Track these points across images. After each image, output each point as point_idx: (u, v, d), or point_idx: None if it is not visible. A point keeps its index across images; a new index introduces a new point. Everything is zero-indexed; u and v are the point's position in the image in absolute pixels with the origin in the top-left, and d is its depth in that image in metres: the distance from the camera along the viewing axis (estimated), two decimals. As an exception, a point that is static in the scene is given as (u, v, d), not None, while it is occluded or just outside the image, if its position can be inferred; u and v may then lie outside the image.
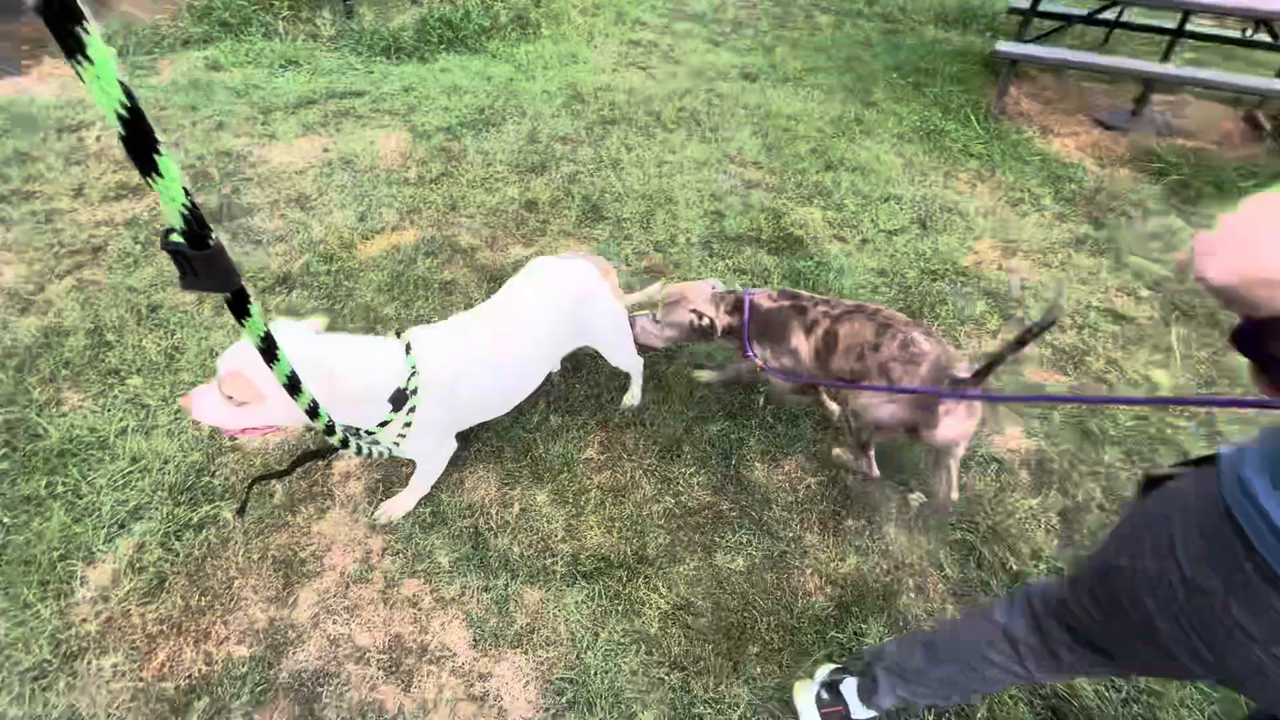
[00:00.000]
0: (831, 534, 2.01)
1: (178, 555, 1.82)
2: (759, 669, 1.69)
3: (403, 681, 1.63)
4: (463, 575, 1.83)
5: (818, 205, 3.58)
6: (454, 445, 1.93)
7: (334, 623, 1.73)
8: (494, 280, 2.84)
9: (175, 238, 0.69)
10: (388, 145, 3.74)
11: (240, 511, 1.84)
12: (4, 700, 1.53)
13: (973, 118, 4.56)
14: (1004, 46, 4.51)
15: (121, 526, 1.87)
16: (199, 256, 0.69)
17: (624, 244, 3.13)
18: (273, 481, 2.00)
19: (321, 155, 3.60)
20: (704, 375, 2.43)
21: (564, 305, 1.87)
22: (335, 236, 3.00)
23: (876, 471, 2.04)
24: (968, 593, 1.89)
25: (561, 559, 1.88)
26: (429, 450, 1.82)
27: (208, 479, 2.00)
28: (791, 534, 2.00)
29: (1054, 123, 4.70)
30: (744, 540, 1.97)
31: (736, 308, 2.10)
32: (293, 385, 1.04)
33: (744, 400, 2.38)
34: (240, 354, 1.39)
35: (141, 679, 1.59)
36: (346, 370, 1.49)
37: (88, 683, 1.57)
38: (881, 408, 1.83)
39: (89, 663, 1.60)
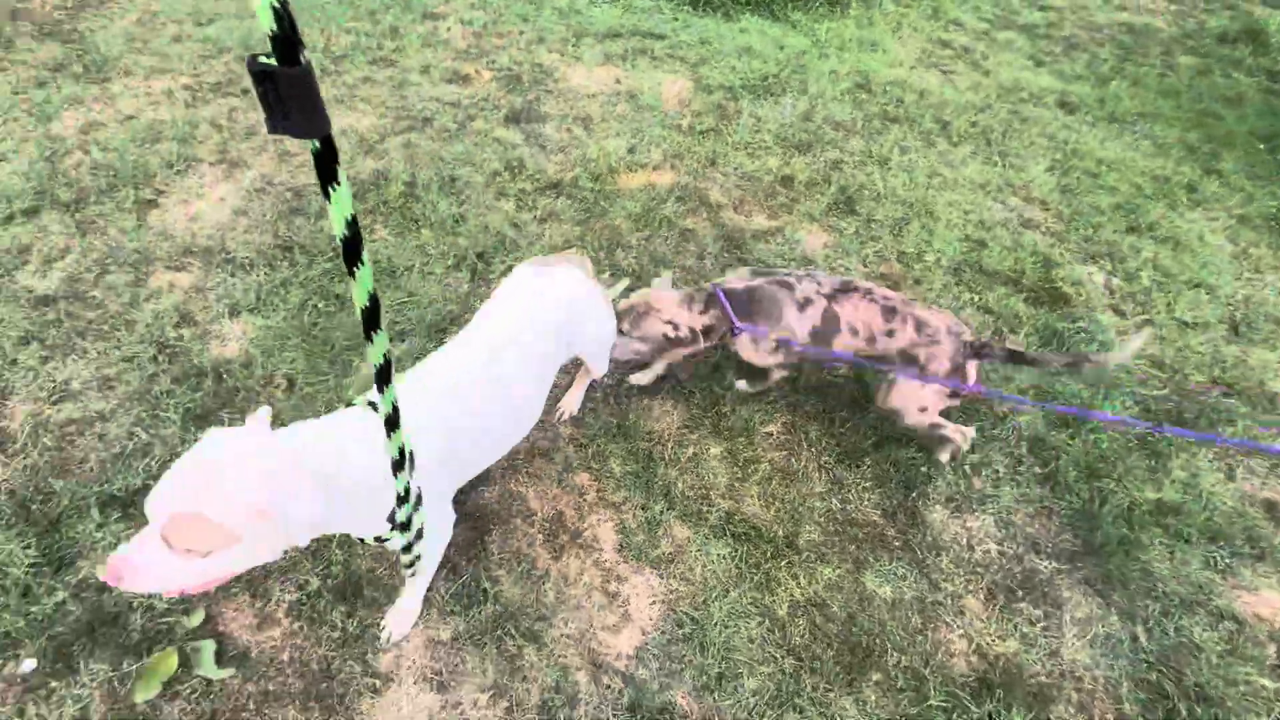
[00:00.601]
0: (998, 608, 1.86)
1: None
2: (874, 696, 1.65)
3: (554, 551, 1.86)
4: (628, 488, 2.00)
5: (1102, 267, 3.14)
6: (453, 514, 1.55)
7: (516, 481, 2.00)
8: (730, 240, 2.94)
9: (264, 59, 0.59)
10: (671, 90, 3.96)
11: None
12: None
13: (1359, 223, 3.62)
14: None
15: (390, 340, 2.32)
16: (288, 77, 0.59)
17: (867, 244, 3.04)
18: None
19: (613, 85, 3.92)
20: (741, 385, 2.30)
21: (559, 319, 1.64)
22: (605, 161, 3.29)
23: (970, 431, 2.07)
24: (1142, 740, 1.65)
25: (716, 511, 1.97)
26: (431, 527, 1.39)
27: (454, 329, 2.39)
28: (953, 589, 1.88)
29: None
30: (899, 573, 1.90)
31: (711, 303, 1.96)
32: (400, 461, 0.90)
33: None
34: (192, 484, 1.00)
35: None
36: (347, 452, 1.15)
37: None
38: (925, 397, 1.92)
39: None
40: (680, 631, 1.73)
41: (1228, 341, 2.85)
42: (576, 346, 1.77)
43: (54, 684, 1.48)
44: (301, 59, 0.59)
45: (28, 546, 1.67)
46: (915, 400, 1.94)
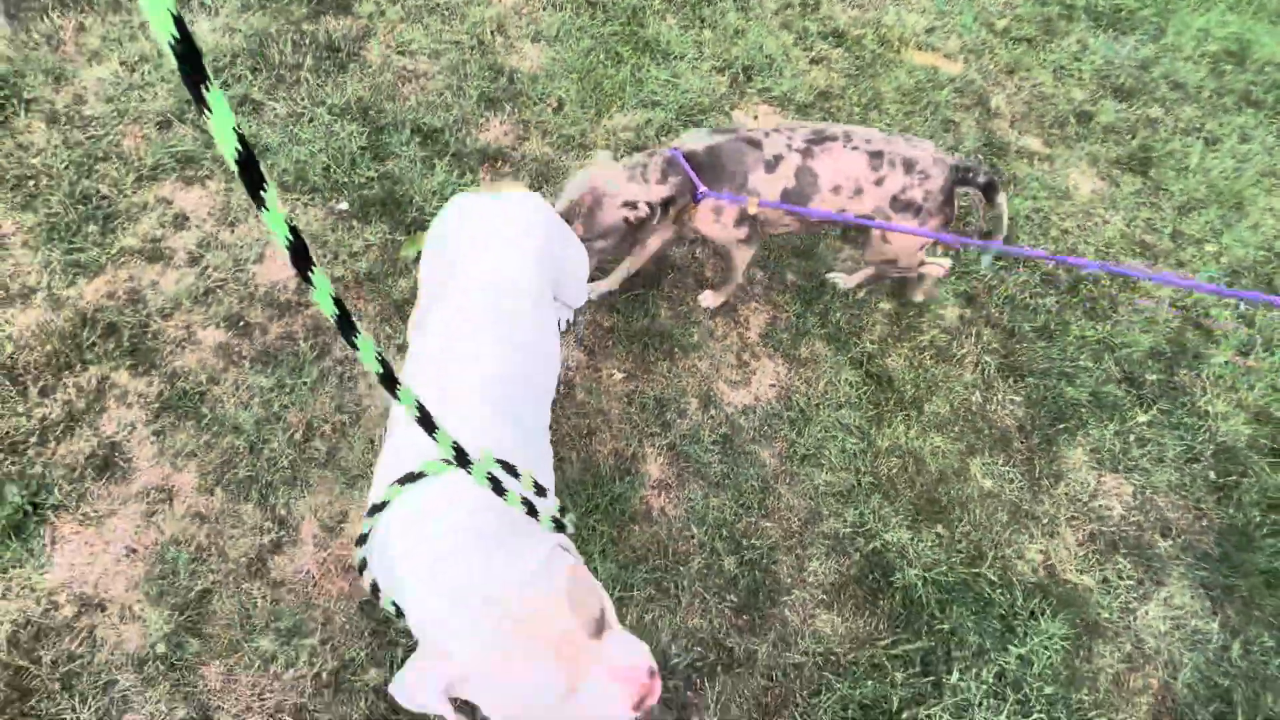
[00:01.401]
0: (1094, 551, 1.86)
1: (660, 140, 2.51)
2: (929, 541, 1.79)
3: (710, 313, 2.13)
4: (792, 296, 2.19)
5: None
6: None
7: (698, 249, 2.27)
8: (991, 148, 2.82)
9: None
10: (1003, -14, 3.63)
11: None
12: (548, 140, 2.43)
13: None
14: None
15: (644, 106, 2.61)
16: None
17: (1142, 209, 2.75)
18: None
19: (942, -37, 3.68)
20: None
21: (540, 249, 1.33)
22: (898, 30, 3.21)
23: (946, 263, 2.09)
24: None
25: (861, 348, 2.11)
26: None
27: (702, 116, 2.62)
28: (1054, 514, 1.91)
29: None
30: (1008, 475, 1.95)
31: (669, 169, 1.68)
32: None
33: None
34: None
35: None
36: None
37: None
38: (910, 248, 1.83)
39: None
40: (787, 413, 1.96)
41: None
42: (558, 284, 1.43)
43: (355, 224, 2.08)
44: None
45: (362, 136, 2.27)
46: (914, 243, 1.83)
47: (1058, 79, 3.22)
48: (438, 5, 2.79)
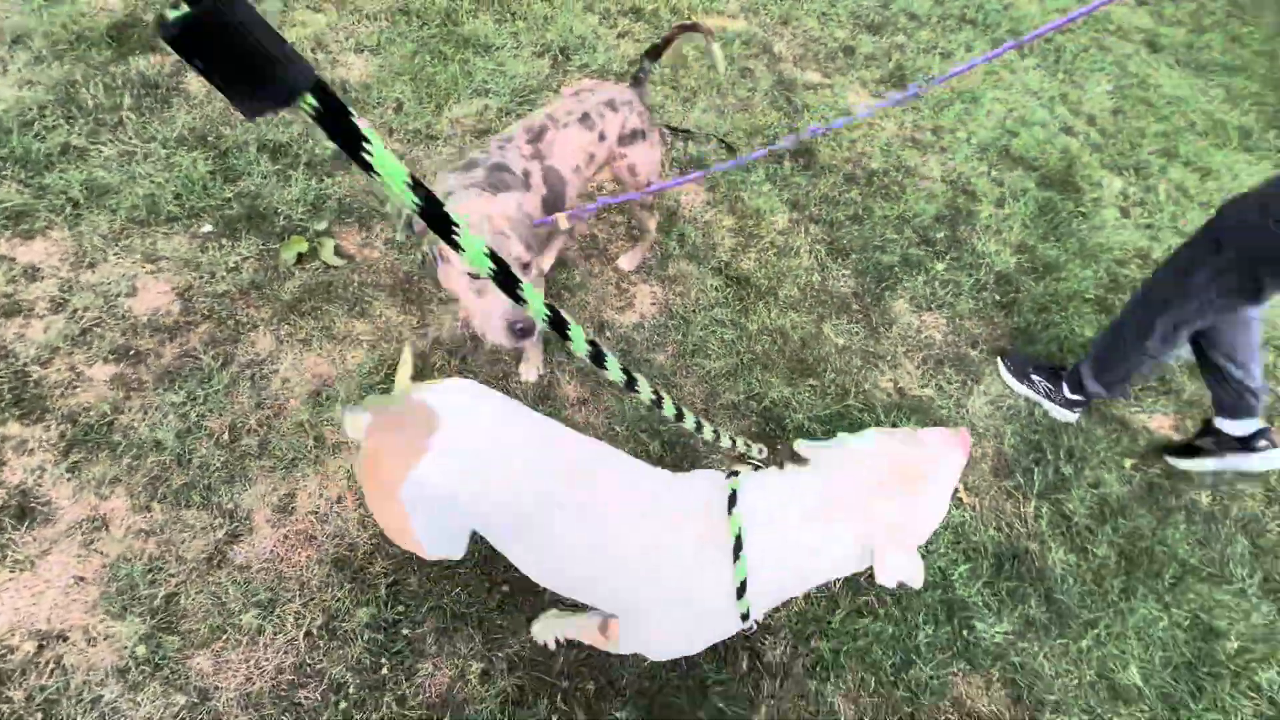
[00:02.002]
0: (927, 370, 2.35)
1: (501, 120, 2.74)
2: (806, 392, 2.19)
3: (585, 256, 2.40)
4: (651, 228, 2.52)
5: (1125, 178, 3.43)
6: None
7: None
8: (782, 84, 3.33)
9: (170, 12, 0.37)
10: (762, -45, 4.23)
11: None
12: (397, 137, 2.58)
13: (1402, 194, 3.76)
14: None
15: (478, 95, 2.84)
16: (207, 27, 0.38)
17: (908, 113, 3.38)
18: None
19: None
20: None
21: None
22: (688, 1, 3.67)
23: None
24: (1008, 465, 2.15)
25: (718, 259, 2.48)
26: None
27: (534, 96, 2.89)
28: (894, 351, 2.38)
29: None
30: (853, 330, 2.40)
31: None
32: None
33: (924, 256, 2.68)
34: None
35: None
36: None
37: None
38: (656, 157, 1.92)
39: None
40: (670, 322, 2.28)
41: (1218, 255, 3.15)
42: None
43: (224, 242, 2.12)
44: None
45: (207, 161, 2.30)
46: (656, 165, 1.93)
47: (822, 23, 3.84)
48: (249, 32, 2.83)
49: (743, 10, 3.75)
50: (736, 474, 1.17)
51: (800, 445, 1.19)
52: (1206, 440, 2.16)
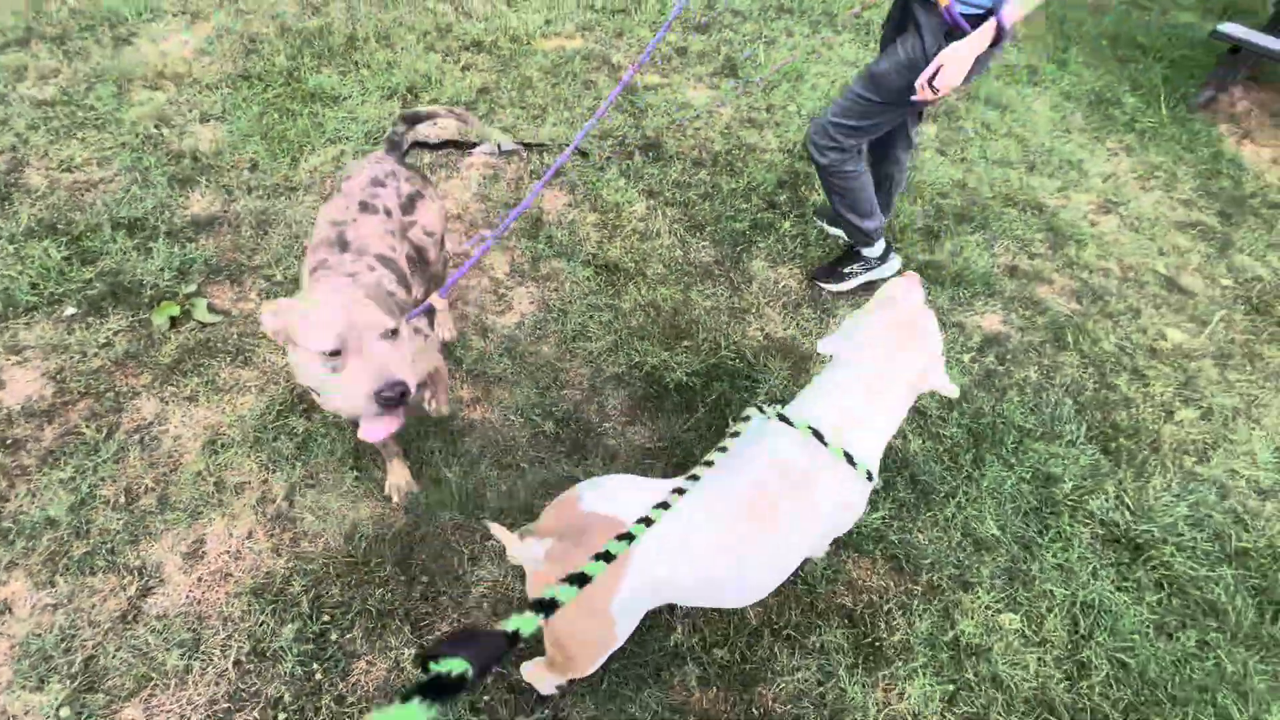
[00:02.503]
0: (789, 314, 2.62)
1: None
2: (684, 354, 2.41)
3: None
4: (517, 237, 2.70)
5: (938, 124, 3.89)
6: None
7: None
8: (626, 90, 3.61)
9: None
10: (589, -22, 4.55)
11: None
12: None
13: (1162, 101, 4.44)
14: (1226, 28, 4.29)
15: (332, 142, 2.95)
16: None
17: (743, 99, 3.73)
18: (424, 150, 2.99)
19: (537, -28, 4.50)
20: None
21: None
22: (524, 29, 3.91)
23: None
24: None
25: (585, 252, 2.69)
26: None
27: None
28: (757, 304, 2.64)
29: (1265, 132, 4.43)
30: (718, 292, 2.65)
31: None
32: None
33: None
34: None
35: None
36: None
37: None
38: (440, 218, 1.88)
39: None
40: (549, 315, 2.45)
41: (1022, 175, 3.64)
42: None
43: (92, 320, 2.14)
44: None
45: (60, 248, 2.31)
46: (440, 217, 1.89)
47: (652, 31, 4.17)
48: (85, 119, 2.84)
49: (579, 29, 4.04)
50: (788, 420, 1.39)
51: (821, 345, 1.51)
52: (855, 265, 2.68)
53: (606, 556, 0.88)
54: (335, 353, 1.21)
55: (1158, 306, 2.98)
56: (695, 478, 1.22)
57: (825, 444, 1.34)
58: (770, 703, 1.65)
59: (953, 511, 2.07)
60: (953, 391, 1.41)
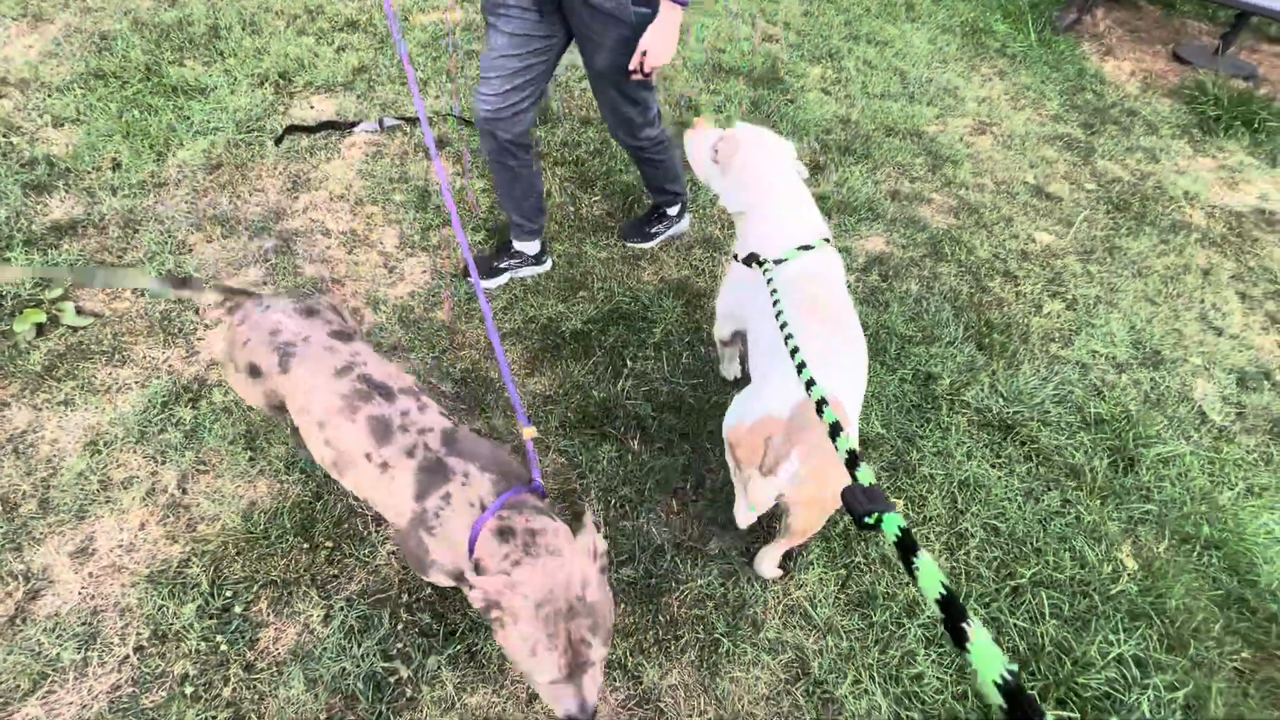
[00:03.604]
0: (684, 256, 2.70)
1: (232, 153, 2.79)
2: (581, 303, 2.46)
3: (349, 248, 2.53)
4: (405, 210, 2.69)
5: (822, 65, 4.02)
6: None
7: (317, 206, 2.65)
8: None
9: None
10: (465, -51, 4.48)
11: (277, 142, 2.78)
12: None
13: (1030, 26, 4.68)
14: (1077, -51, 4.53)
15: (201, 135, 2.86)
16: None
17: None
18: (301, 134, 2.92)
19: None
20: None
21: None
22: (401, 4, 3.84)
23: None
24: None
25: (479, 220, 2.70)
26: None
27: (261, 124, 2.95)
28: (652, 253, 2.71)
29: (1124, 48, 4.73)
30: (612, 243, 2.70)
31: None
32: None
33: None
34: (749, 132, 1.89)
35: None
36: None
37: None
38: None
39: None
40: (439, 282, 2.47)
41: (902, 106, 3.80)
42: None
43: (-53, 337, 2.05)
44: None
45: (-97, 267, 2.19)
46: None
47: None
48: (-78, 133, 2.67)
49: (456, 2, 3.98)
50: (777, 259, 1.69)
51: (727, 204, 1.94)
52: (659, 225, 2.70)
53: (836, 428, 0.96)
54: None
55: (1028, 214, 3.19)
56: (789, 336, 1.35)
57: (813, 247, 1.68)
58: (676, 609, 1.75)
59: (841, 418, 2.20)
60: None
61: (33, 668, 1.52)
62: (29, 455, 1.86)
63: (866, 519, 0.76)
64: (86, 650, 1.56)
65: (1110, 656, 1.70)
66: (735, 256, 1.82)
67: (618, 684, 1.62)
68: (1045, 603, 1.80)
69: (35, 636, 1.57)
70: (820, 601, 1.79)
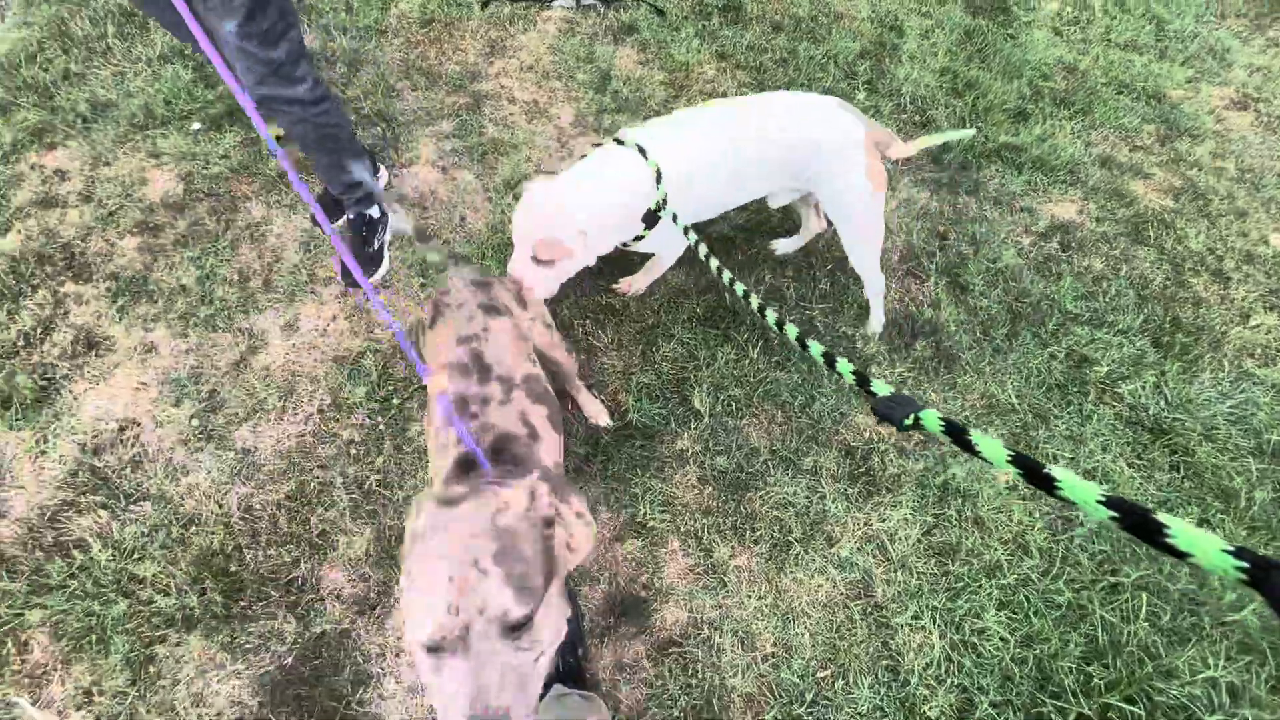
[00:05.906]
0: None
1: (444, 10, 3.04)
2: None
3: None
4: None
5: (1063, 1, 3.57)
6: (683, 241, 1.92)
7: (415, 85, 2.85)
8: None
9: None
10: None
11: (483, 6, 2.99)
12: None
13: (1359, -17, 3.80)
14: None
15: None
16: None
17: None
18: (505, 1, 3.11)
19: None
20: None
21: (798, 153, 1.82)
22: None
23: None
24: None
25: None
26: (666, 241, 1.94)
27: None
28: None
29: None
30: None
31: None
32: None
33: (846, 87, 2.93)
34: (535, 217, 1.63)
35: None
36: (624, 184, 1.70)
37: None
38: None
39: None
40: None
41: (1152, 61, 3.32)
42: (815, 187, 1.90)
43: (213, 135, 2.51)
44: None
45: (187, 70, 2.67)
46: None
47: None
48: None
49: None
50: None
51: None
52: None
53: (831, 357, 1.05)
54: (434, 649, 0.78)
55: (1270, 212, 2.76)
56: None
57: None
58: (758, 506, 1.89)
59: (972, 378, 2.15)
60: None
61: (248, 402, 1.97)
62: (260, 242, 2.30)
63: (905, 421, 0.80)
64: (285, 400, 1.98)
65: (1201, 676, 1.64)
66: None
67: (690, 551, 1.81)
68: (1144, 606, 1.74)
69: (252, 381, 2.01)
70: (899, 540, 1.85)
